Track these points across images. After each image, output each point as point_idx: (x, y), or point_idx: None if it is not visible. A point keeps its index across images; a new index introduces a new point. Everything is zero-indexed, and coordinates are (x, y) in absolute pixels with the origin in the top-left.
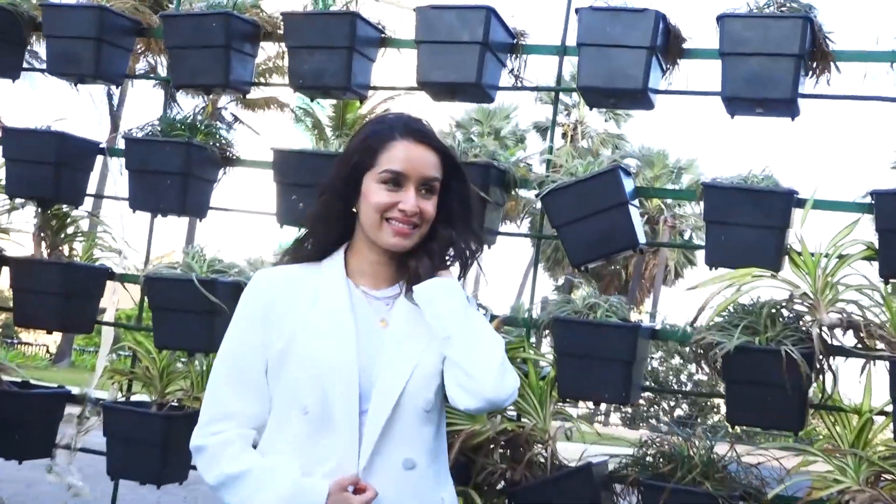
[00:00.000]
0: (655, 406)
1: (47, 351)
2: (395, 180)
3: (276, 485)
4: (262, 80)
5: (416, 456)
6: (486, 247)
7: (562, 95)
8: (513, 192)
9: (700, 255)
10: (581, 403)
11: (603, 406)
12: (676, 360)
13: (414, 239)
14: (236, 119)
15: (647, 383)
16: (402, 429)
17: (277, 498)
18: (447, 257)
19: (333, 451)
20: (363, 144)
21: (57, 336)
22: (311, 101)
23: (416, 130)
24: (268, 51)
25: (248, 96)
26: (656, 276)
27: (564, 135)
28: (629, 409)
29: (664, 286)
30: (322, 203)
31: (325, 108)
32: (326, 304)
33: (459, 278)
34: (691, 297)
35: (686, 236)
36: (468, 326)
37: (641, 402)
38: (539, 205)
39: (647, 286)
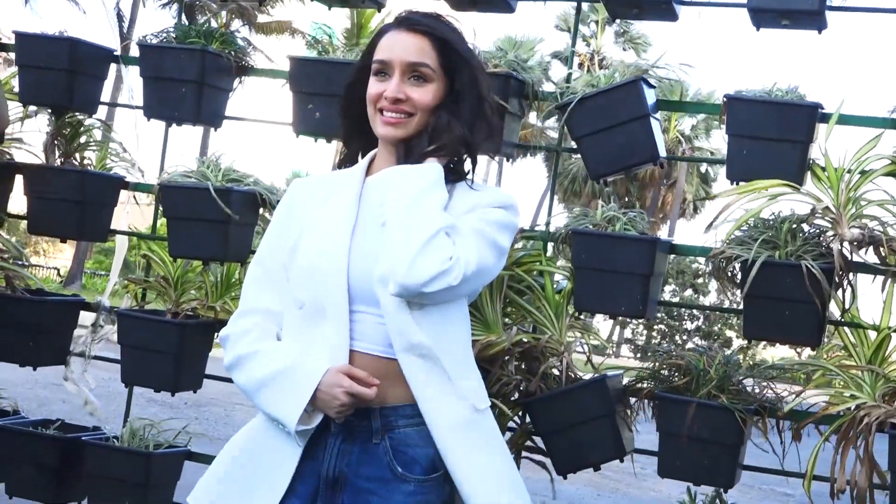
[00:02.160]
0: (667, 340)
1: (58, 273)
2: (383, 70)
3: (277, 360)
4: (273, 5)
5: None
6: (505, 158)
7: (580, 26)
8: (533, 105)
9: (717, 188)
10: (587, 342)
11: (615, 336)
12: (689, 293)
13: (407, 128)
14: (249, 44)
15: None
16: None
17: (275, 371)
18: (443, 146)
19: (325, 346)
20: (367, 45)
21: (67, 259)
22: (329, 8)
23: (406, 19)
24: None
25: (260, 20)
26: (672, 208)
27: (581, 65)
28: (640, 342)
29: (682, 219)
30: (342, 107)
31: (334, 35)
32: (335, 201)
33: (467, 172)
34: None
35: (703, 169)
36: (403, 212)
37: (654, 334)
38: (556, 126)
39: (664, 219)
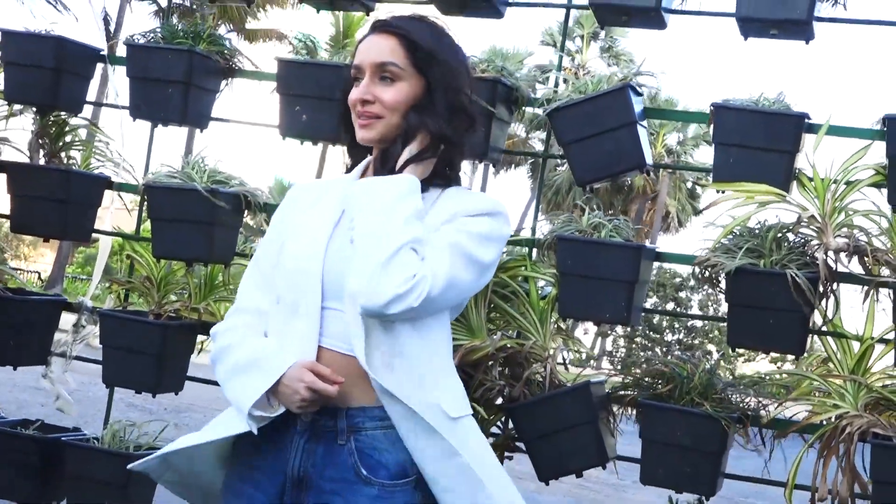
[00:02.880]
0: (647, 351)
1: (39, 277)
2: (357, 75)
3: (247, 351)
4: (262, 11)
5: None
6: (492, 164)
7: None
8: (519, 111)
9: (703, 203)
10: (571, 349)
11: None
12: (671, 306)
13: (377, 129)
14: (236, 50)
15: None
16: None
17: (245, 361)
18: (422, 150)
19: (298, 342)
20: (353, 53)
21: (48, 263)
22: (318, 11)
23: (378, 22)
24: None
25: (247, 26)
26: (654, 222)
27: (566, 80)
28: (619, 354)
29: (666, 234)
30: (341, 117)
31: (319, 43)
32: (320, 206)
33: (449, 172)
34: (692, 241)
35: (689, 185)
36: (369, 228)
37: (634, 345)
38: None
39: (647, 234)
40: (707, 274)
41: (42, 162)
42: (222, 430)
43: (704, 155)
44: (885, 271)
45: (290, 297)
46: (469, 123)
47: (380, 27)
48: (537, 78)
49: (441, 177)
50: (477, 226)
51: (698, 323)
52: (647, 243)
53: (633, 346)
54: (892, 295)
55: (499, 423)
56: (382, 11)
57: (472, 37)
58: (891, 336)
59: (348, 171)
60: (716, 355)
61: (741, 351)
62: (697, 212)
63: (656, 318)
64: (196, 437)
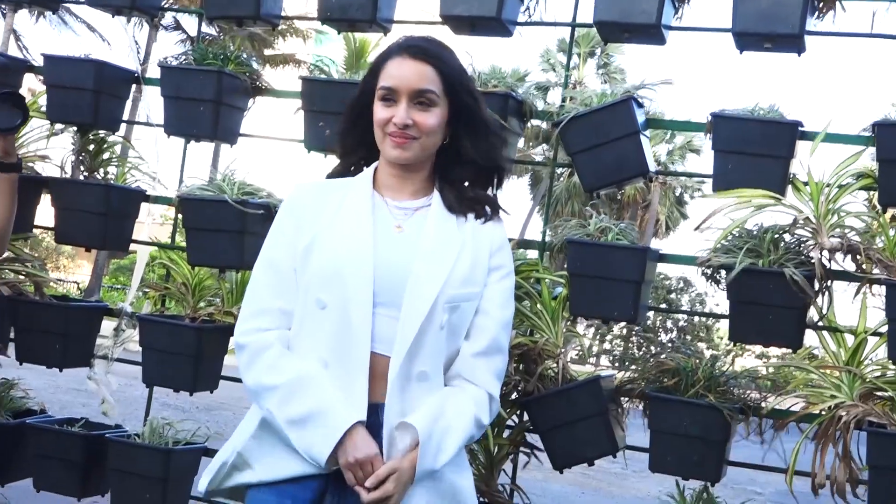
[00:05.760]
0: (642, 350)
1: (78, 288)
2: (389, 96)
3: (311, 397)
4: (281, 39)
5: (430, 369)
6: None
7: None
8: (527, 124)
9: (691, 210)
10: (572, 346)
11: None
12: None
13: (413, 149)
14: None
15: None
16: (421, 338)
17: (308, 409)
18: (471, 176)
19: (349, 346)
20: (370, 68)
21: (85, 275)
22: (339, 33)
23: (411, 46)
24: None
25: (266, 52)
26: (646, 230)
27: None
28: (617, 352)
29: (656, 239)
30: (343, 123)
31: (335, 64)
32: (349, 208)
33: (491, 193)
34: (683, 249)
35: (676, 192)
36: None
37: (630, 343)
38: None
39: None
40: (710, 273)
41: (82, 177)
42: (293, 469)
43: (691, 164)
44: (877, 269)
45: (337, 301)
46: (502, 144)
47: (412, 52)
48: (537, 95)
49: (490, 204)
50: (510, 285)
51: (691, 322)
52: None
53: (630, 344)
54: (885, 290)
55: (513, 417)
56: (396, 33)
57: (474, 54)
58: (883, 329)
59: (338, 173)
60: (707, 353)
61: (731, 347)
62: (697, 225)
63: (650, 319)
64: (264, 472)
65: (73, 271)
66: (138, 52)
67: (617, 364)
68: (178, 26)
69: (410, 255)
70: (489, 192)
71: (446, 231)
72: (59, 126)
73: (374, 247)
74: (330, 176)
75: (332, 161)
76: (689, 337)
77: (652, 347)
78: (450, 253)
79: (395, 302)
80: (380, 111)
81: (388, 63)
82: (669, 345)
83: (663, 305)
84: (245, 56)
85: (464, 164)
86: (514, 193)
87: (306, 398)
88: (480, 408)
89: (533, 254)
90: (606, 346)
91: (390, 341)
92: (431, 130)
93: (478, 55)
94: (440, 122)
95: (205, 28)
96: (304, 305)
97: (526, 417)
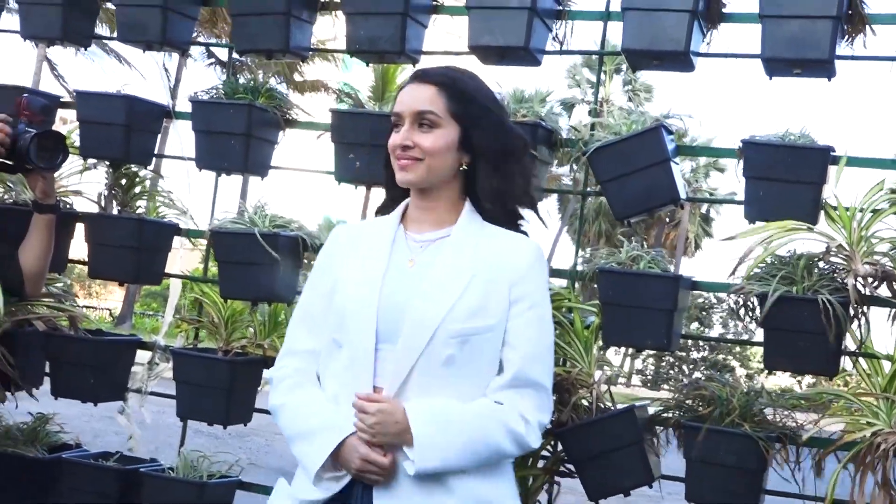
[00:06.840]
0: (675, 369)
1: (110, 314)
2: (397, 121)
3: (309, 415)
4: (310, 64)
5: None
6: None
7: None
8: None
9: (716, 228)
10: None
11: (626, 367)
12: (694, 324)
13: (418, 171)
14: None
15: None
16: (419, 373)
17: (307, 425)
18: (494, 201)
19: (355, 383)
20: (392, 100)
21: (118, 301)
22: (367, 65)
23: (417, 71)
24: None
25: (296, 78)
26: (677, 247)
27: (590, 112)
28: (648, 373)
29: (684, 256)
30: (385, 157)
31: (359, 92)
32: (368, 247)
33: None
34: (711, 265)
35: (703, 210)
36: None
37: (662, 363)
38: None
39: (667, 257)
40: (742, 301)
41: (115, 211)
42: (310, 493)
43: (714, 182)
44: None
45: (345, 340)
46: (521, 169)
47: (419, 77)
48: (560, 114)
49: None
50: (541, 314)
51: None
52: (671, 267)
53: (662, 364)
54: None
55: (548, 447)
56: (425, 63)
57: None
58: None
59: (381, 209)
60: (739, 370)
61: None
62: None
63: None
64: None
65: (105, 297)
66: (168, 79)
67: (649, 384)
68: (209, 53)
69: (415, 289)
70: (520, 213)
71: (459, 262)
72: (91, 161)
73: (381, 285)
74: (379, 208)
75: (354, 193)
76: (721, 356)
77: (684, 367)
78: (456, 285)
79: (397, 338)
80: (391, 138)
81: (400, 92)
82: (703, 363)
83: (695, 324)
84: (276, 89)
85: (483, 190)
86: (543, 213)
87: (309, 417)
88: (511, 420)
89: (562, 281)
90: (638, 364)
91: (390, 377)
92: (435, 151)
93: (505, 78)
94: (446, 143)
95: (235, 54)
96: (327, 346)
97: (560, 447)
